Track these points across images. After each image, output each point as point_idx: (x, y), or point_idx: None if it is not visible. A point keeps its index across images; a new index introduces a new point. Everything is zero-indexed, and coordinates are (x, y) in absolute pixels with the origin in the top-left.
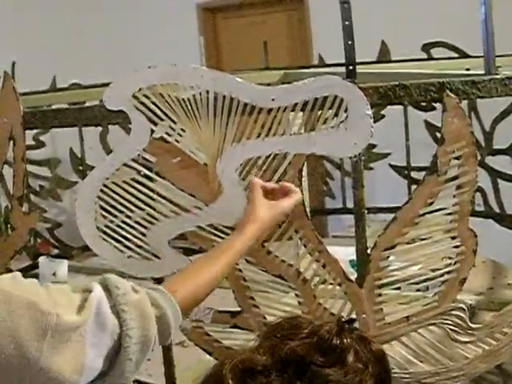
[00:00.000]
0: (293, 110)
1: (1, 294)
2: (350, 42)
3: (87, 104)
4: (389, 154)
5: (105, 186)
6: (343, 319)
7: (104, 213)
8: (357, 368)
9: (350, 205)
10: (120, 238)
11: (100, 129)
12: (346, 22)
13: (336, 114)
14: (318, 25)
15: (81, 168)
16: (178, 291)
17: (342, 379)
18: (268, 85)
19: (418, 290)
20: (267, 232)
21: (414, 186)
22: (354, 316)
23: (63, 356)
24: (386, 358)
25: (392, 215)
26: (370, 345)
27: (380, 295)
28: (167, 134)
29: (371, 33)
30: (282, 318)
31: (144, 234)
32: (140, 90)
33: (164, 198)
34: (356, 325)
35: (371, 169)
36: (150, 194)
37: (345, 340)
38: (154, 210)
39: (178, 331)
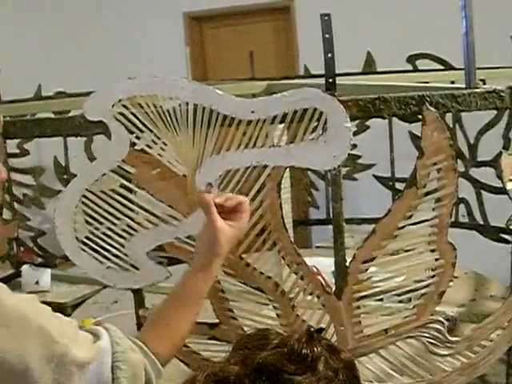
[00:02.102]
0: (272, 123)
1: (18, 313)
2: (329, 55)
3: (72, 113)
4: (373, 165)
5: (84, 196)
6: (312, 329)
7: (83, 223)
8: (327, 375)
9: None
10: (99, 249)
11: (84, 138)
12: (327, 35)
13: (315, 127)
14: (304, 35)
15: (65, 177)
16: (161, 353)
17: None
18: (253, 95)
19: (400, 302)
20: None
21: None
22: (323, 325)
23: None
24: (355, 366)
25: None
26: (340, 353)
27: (358, 307)
28: (147, 145)
29: (358, 43)
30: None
31: (123, 245)
32: (120, 100)
33: (143, 209)
34: (326, 335)
35: (355, 179)
36: (129, 205)
37: (315, 349)
38: (133, 221)
39: None
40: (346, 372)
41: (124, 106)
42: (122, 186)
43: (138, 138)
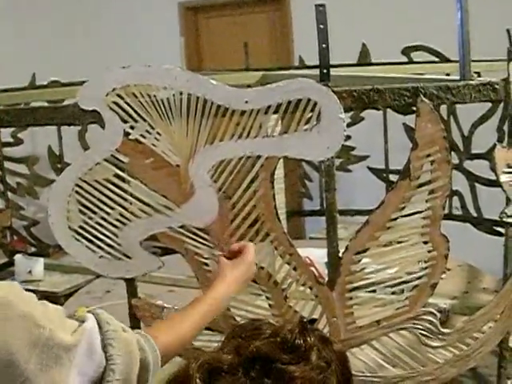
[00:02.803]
0: (266, 113)
1: (1, 300)
2: (324, 46)
3: (66, 102)
4: (367, 157)
5: (77, 185)
6: (305, 319)
7: (76, 212)
8: (320, 365)
9: None
10: (92, 238)
11: (78, 127)
12: (321, 26)
13: (309, 118)
14: (299, 26)
15: (59, 166)
16: (160, 338)
17: (307, 376)
18: (248, 86)
19: (393, 293)
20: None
21: None
22: (315, 317)
23: (49, 376)
24: (347, 357)
25: None
26: (332, 344)
27: (351, 298)
28: (140, 135)
29: (353, 34)
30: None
31: (116, 235)
32: (114, 89)
33: (136, 198)
34: (318, 326)
35: (350, 171)
36: (123, 194)
37: (308, 339)
38: (126, 210)
39: None
40: (337, 363)
41: (118, 96)
42: (116, 176)
43: (131, 127)
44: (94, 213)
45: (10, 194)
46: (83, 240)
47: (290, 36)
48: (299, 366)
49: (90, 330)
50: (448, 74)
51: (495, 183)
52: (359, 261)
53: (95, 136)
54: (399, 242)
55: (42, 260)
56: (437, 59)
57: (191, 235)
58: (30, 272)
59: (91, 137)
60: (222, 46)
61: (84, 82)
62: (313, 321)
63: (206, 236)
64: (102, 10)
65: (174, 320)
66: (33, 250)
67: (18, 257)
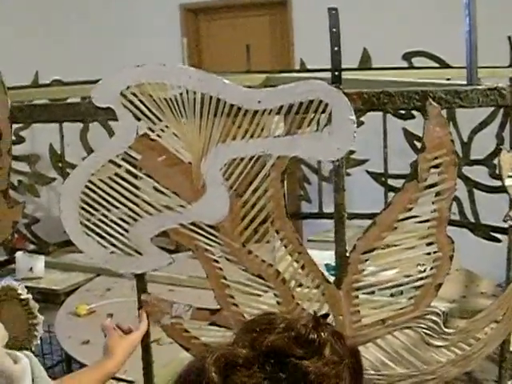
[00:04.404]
0: (278, 113)
1: None
2: (336, 48)
3: (69, 101)
4: (366, 161)
5: (90, 181)
6: (318, 314)
7: (88, 208)
8: (334, 360)
9: (326, 209)
10: (103, 234)
11: (80, 126)
12: (334, 29)
13: (318, 119)
14: (300, 30)
15: (60, 164)
16: None
17: (321, 371)
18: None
19: (391, 295)
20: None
21: (390, 193)
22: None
23: None
24: (359, 352)
25: (368, 221)
26: (344, 339)
27: (357, 297)
28: (152, 131)
29: (354, 40)
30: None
31: (127, 231)
32: (128, 87)
33: (148, 195)
34: (329, 321)
35: (349, 175)
36: (134, 191)
37: (321, 334)
38: (138, 206)
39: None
40: (351, 358)
41: (132, 93)
42: (128, 172)
43: (145, 125)
44: (106, 209)
45: (10, 191)
46: (94, 236)
47: (290, 39)
48: (313, 361)
49: (27, 368)
50: (448, 80)
51: (493, 189)
52: (366, 260)
53: (101, 134)
54: (405, 243)
55: (43, 257)
56: (437, 65)
57: (202, 232)
58: (30, 269)
59: (94, 136)
60: (223, 49)
61: (87, 81)
62: (326, 315)
63: (216, 233)
64: (103, 10)
65: (79, 376)
66: (32, 247)
67: (19, 254)
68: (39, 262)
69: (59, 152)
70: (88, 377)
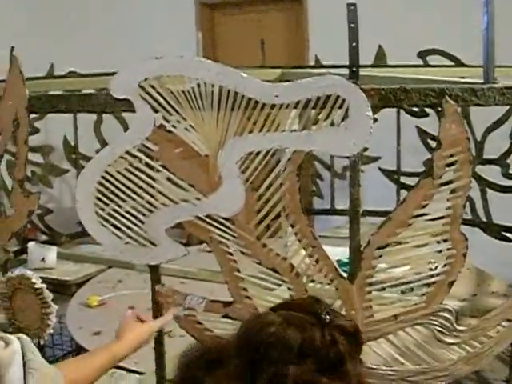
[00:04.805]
0: (295, 108)
1: None
2: (354, 44)
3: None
4: (379, 158)
5: (106, 172)
6: (323, 315)
7: (104, 199)
8: (356, 372)
9: (338, 205)
10: (118, 225)
11: (94, 118)
12: (352, 25)
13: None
14: (315, 26)
15: (73, 156)
16: (68, 376)
17: None
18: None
19: (402, 292)
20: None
21: (402, 191)
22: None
23: None
24: (358, 329)
25: (380, 219)
26: (347, 328)
27: (370, 293)
28: (169, 123)
29: (369, 36)
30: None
31: (142, 222)
32: (146, 79)
33: (163, 186)
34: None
35: (362, 171)
36: (151, 182)
37: (340, 347)
38: (154, 198)
39: None
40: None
41: (150, 85)
42: (144, 164)
43: (162, 117)
44: (122, 200)
45: None
46: (110, 226)
47: (305, 35)
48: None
49: (17, 351)
50: (463, 78)
51: (506, 189)
52: (380, 256)
53: (115, 127)
54: (419, 240)
55: (55, 248)
56: (452, 63)
57: (217, 225)
58: (43, 260)
59: (108, 128)
60: (238, 44)
61: (103, 73)
62: (329, 311)
63: (231, 226)
64: (120, 3)
65: (80, 361)
66: (44, 238)
67: (31, 244)
68: (51, 252)
69: (73, 144)
70: (89, 361)
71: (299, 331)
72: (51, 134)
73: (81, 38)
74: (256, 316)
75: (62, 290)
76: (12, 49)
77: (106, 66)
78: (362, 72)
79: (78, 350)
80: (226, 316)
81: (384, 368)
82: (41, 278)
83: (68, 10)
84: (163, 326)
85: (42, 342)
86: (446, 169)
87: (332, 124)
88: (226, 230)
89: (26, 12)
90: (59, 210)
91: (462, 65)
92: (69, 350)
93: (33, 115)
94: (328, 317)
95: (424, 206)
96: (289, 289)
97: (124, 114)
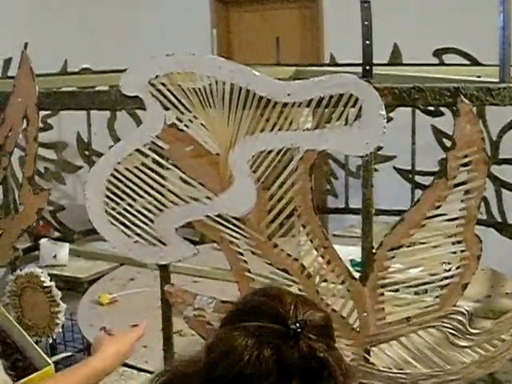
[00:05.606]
0: (308, 106)
1: None
2: (367, 42)
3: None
4: (394, 157)
5: (116, 170)
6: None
7: (113, 197)
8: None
9: (352, 204)
10: (128, 223)
11: (107, 115)
12: (366, 22)
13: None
14: (330, 24)
15: (87, 153)
16: None
17: None
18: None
19: (416, 293)
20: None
21: (417, 190)
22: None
23: None
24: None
25: (394, 218)
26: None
27: (382, 294)
28: (180, 121)
29: (385, 35)
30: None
31: (152, 220)
32: (157, 77)
33: (174, 185)
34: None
35: (376, 170)
36: (161, 180)
37: (320, 354)
38: (164, 196)
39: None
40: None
41: (161, 83)
42: (155, 162)
43: (174, 115)
44: (131, 198)
45: (36, 178)
46: (119, 224)
47: (320, 33)
48: None
49: None
50: (479, 77)
51: None
52: (393, 257)
53: (129, 124)
54: (432, 241)
55: (67, 245)
56: (467, 62)
57: (227, 224)
58: (54, 257)
59: (122, 125)
60: (253, 41)
61: (116, 70)
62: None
63: (242, 226)
64: (132, 1)
65: (59, 378)
66: (56, 235)
67: (43, 241)
68: (63, 249)
69: (86, 140)
70: (68, 378)
71: (274, 351)
72: (64, 131)
73: (95, 35)
74: (221, 337)
75: (74, 287)
76: (26, 45)
77: (119, 63)
78: (377, 70)
79: (89, 347)
80: None
81: (395, 371)
82: (52, 275)
83: (83, 7)
84: (140, 337)
85: (50, 341)
86: (461, 169)
87: (346, 123)
88: (237, 229)
89: (40, 8)
90: (72, 207)
91: (478, 64)
92: (80, 347)
93: (47, 112)
94: (297, 325)
95: (438, 207)
96: (300, 290)
97: (138, 111)
